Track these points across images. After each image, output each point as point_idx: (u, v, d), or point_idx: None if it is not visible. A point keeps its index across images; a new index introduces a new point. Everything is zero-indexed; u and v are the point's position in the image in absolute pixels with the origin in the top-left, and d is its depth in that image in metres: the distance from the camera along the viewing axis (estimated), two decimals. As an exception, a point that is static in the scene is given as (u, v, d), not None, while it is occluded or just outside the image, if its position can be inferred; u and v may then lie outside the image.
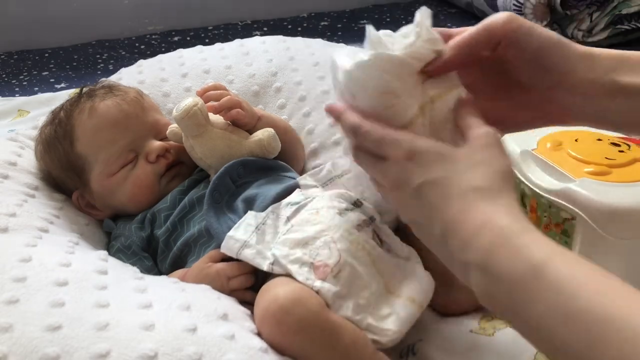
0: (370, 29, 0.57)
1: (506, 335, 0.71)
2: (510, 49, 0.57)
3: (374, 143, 0.55)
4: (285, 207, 0.75)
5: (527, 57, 0.57)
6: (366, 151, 0.57)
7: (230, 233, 0.72)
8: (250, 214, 0.74)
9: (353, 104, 0.58)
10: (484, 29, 0.57)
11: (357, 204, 0.74)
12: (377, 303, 0.68)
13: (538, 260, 0.44)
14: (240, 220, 0.74)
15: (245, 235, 0.71)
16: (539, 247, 0.45)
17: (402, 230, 0.73)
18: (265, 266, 0.68)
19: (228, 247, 0.71)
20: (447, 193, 0.51)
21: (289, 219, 0.73)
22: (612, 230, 0.79)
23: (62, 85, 1.55)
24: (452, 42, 0.58)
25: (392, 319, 0.67)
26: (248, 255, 0.70)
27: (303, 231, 0.70)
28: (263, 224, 0.73)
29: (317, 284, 0.65)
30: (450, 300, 0.73)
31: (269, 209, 0.75)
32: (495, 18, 0.57)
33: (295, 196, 0.76)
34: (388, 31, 0.59)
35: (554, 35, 0.57)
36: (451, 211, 0.50)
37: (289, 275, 0.67)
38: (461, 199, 0.50)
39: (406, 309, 0.68)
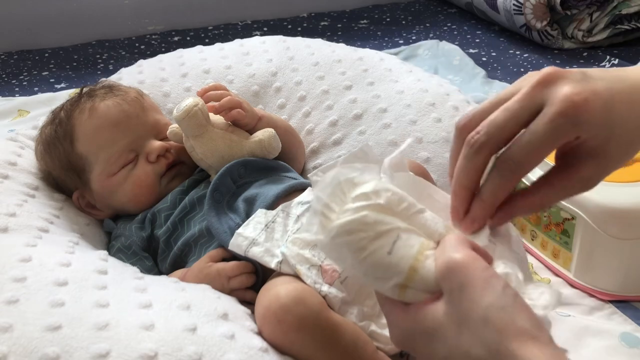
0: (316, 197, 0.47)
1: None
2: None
3: None
4: (296, 205, 0.75)
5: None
6: None
7: (239, 230, 0.72)
8: (261, 211, 0.74)
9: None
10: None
11: None
12: (381, 311, 0.68)
13: None
14: (250, 218, 0.74)
15: (254, 233, 0.71)
16: None
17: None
18: (273, 264, 0.68)
19: (236, 244, 0.71)
20: None
21: (299, 217, 0.73)
22: (612, 230, 0.79)
23: (62, 85, 1.54)
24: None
25: None
26: (256, 253, 0.70)
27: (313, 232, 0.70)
28: (273, 222, 0.73)
29: (325, 288, 0.66)
30: None
31: (280, 207, 0.75)
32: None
33: (306, 195, 0.77)
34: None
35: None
36: None
37: (296, 275, 0.67)
38: None
39: None
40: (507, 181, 0.46)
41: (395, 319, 0.45)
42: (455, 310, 0.42)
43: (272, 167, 0.86)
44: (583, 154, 0.45)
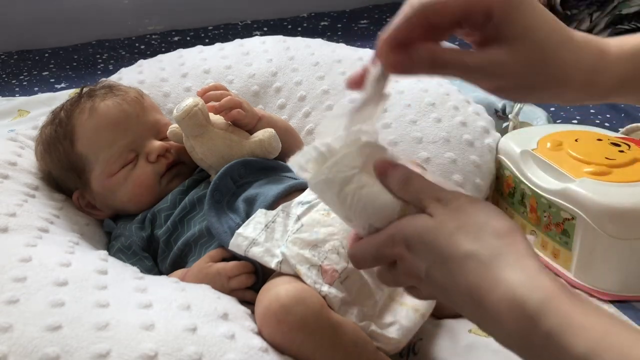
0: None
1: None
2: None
3: (377, 258, 0.50)
4: (296, 205, 0.75)
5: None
6: (384, 271, 0.52)
7: (240, 230, 0.72)
8: (261, 211, 0.74)
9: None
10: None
11: None
12: (381, 311, 0.68)
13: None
14: (250, 218, 0.74)
15: (254, 233, 0.71)
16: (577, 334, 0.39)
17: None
18: (273, 264, 0.68)
19: (236, 244, 0.71)
20: (450, 270, 0.45)
21: (299, 217, 0.73)
22: (612, 230, 0.79)
23: (62, 85, 1.55)
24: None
25: (395, 328, 0.67)
26: (256, 253, 0.70)
27: (313, 232, 0.70)
28: (273, 222, 0.73)
29: (325, 288, 0.66)
30: (445, 305, 0.74)
31: (280, 207, 0.75)
32: None
33: (306, 195, 0.77)
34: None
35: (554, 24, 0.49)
36: (460, 288, 0.45)
37: (296, 275, 0.67)
38: (460, 270, 0.45)
39: (409, 318, 0.68)
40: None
41: (402, 222, 0.48)
42: (458, 216, 0.47)
43: (272, 167, 0.86)
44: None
